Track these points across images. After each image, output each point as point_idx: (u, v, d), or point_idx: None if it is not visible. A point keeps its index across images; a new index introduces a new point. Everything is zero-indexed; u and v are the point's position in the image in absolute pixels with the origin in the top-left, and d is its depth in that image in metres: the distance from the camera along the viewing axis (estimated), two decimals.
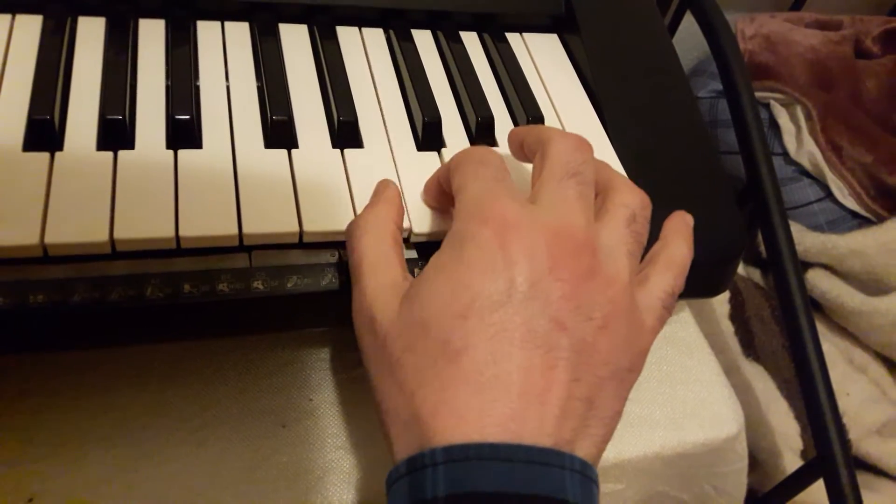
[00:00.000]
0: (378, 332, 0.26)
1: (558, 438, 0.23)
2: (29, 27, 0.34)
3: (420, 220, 0.32)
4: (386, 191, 0.31)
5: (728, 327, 0.66)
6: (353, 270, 0.29)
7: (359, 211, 0.32)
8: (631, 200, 0.28)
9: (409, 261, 0.32)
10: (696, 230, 0.32)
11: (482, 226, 0.25)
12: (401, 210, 0.31)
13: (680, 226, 0.31)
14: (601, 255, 0.26)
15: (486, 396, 0.22)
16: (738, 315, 0.67)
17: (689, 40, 0.70)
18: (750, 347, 0.66)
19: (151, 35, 0.36)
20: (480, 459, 0.21)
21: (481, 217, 0.25)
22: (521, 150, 0.32)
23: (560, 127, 0.39)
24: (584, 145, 0.29)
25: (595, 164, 0.29)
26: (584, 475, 0.22)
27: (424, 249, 0.33)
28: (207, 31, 0.37)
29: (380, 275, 0.27)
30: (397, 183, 0.33)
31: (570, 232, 0.25)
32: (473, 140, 0.37)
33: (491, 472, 0.21)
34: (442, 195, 0.32)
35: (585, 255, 0.25)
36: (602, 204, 0.29)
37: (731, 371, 0.57)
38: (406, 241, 0.33)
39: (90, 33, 0.35)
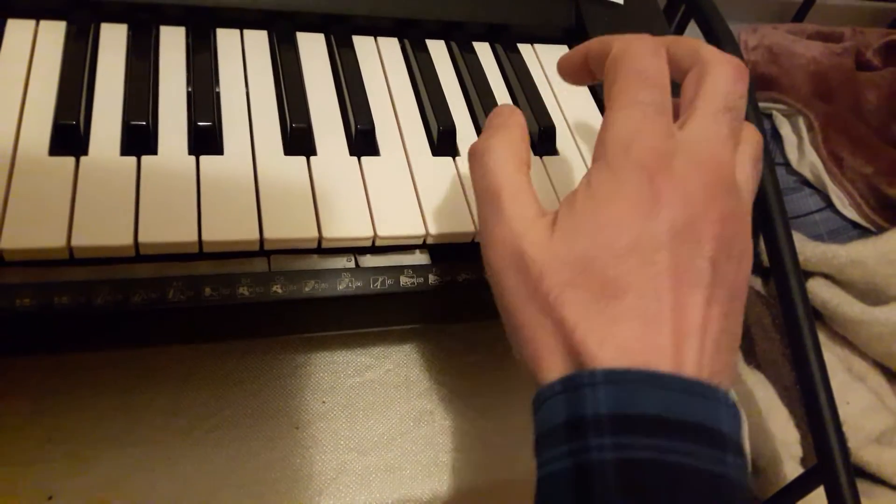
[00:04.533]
0: (531, 268, 0.25)
1: (709, 370, 0.24)
2: (53, 33, 0.35)
3: (437, 222, 0.33)
4: (514, 115, 0.29)
5: None
6: (490, 199, 0.27)
7: (376, 217, 0.32)
8: (727, 91, 0.27)
9: (422, 266, 0.33)
10: None
11: (639, 166, 0.25)
12: (528, 137, 0.30)
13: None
14: (743, 193, 0.26)
15: (650, 330, 0.23)
16: None
17: None
18: (751, 355, 0.67)
19: (172, 42, 0.36)
20: (641, 384, 0.22)
21: (637, 156, 0.25)
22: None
23: (570, 135, 0.40)
24: (745, 74, 0.28)
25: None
26: (735, 411, 0.23)
27: (437, 252, 0.34)
28: (227, 39, 0.38)
29: (523, 206, 0.26)
30: (413, 189, 0.34)
31: (722, 173, 0.25)
32: None
33: (652, 397, 0.22)
34: (583, 70, 0.31)
35: (734, 196, 0.26)
36: (696, 90, 0.27)
37: None
38: (422, 245, 0.34)
39: (113, 40, 0.35)
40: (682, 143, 0.26)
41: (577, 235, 0.25)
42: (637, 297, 0.24)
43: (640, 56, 0.27)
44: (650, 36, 0.29)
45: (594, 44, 0.31)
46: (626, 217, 0.24)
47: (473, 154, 0.29)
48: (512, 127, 0.29)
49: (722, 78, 0.27)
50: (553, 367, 0.24)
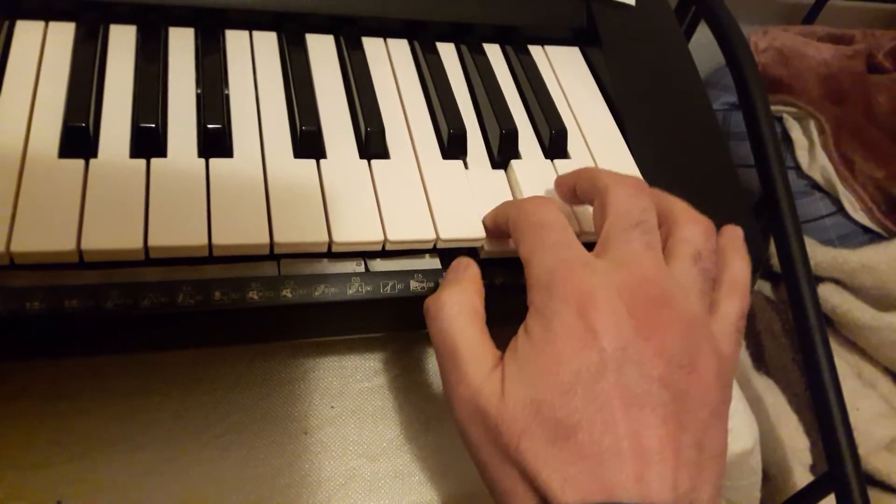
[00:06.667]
0: (489, 424, 0.26)
1: (681, 489, 0.23)
2: (62, 34, 0.35)
3: (447, 226, 0.33)
4: (468, 269, 0.31)
5: None
6: (447, 357, 0.28)
7: (386, 221, 0.32)
8: (693, 235, 0.29)
9: (432, 271, 0.33)
10: None
11: (563, 303, 0.25)
12: (482, 289, 0.30)
13: (734, 241, 0.31)
14: (677, 300, 0.26)
15: (607, 466, 0.23)
16: (749, 328, 0.68)
17: (701, 52, 0.70)
18: (760, 361, 0.66)
19: (181, 44, 0.36)
20: None
21: (560, 293, 0.26)
22: (574, 196, 0.32)
23: (581, 138, 0.40)
24: (641, 189, 0.29)
25: (654, 197, 0.30)
26: None
27: (447, 256, 0.33)
28: (236, 41, 0.38)
29: (480, 362, 0.27)
30: (423, 193, 0.34)
31: (646, 287, 0.26)
32: (497, 150, 0.37)
33: None
34: (502, 234, 0.32)
35: (664, 307, 0.26)
36: (666, 240, 0.29)
37: (741, 385, 0.57)
38: (432, 249, 0.33)
39: (122, 41, 0.35)
40: (602, 269, 0.26)
41: (522, 384, 0.25)
42: (588, 434, 0.24)
43: (534, 211, 0.29)
44: (540, 197, 0.30)
45: (498, 210, 0.32)
46: (563, 355, 0.25)
47: (427, 311, 0.29)
48: (464, 281, 0.30)
49: (620, 199, 0.28)
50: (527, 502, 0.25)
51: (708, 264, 0.28)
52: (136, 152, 0.31)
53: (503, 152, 0.37)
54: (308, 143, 0.33)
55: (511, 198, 0.35)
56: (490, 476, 0.26)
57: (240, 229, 0.30)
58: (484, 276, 0.31)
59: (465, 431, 0.27)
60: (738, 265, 0.30)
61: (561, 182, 0.33)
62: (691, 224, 0.29)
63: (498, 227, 0.32)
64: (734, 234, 0.32)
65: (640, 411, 0.24)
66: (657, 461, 0.23)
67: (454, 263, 0.32)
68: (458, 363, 0.27)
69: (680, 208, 0.30)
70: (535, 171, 0.37)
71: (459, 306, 0.28)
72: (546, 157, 0.38)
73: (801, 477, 0.57)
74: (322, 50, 0.39)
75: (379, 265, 0.33)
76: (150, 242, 0.28)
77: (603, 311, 0.25)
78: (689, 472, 0.24)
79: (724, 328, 0.28)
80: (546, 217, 0.29)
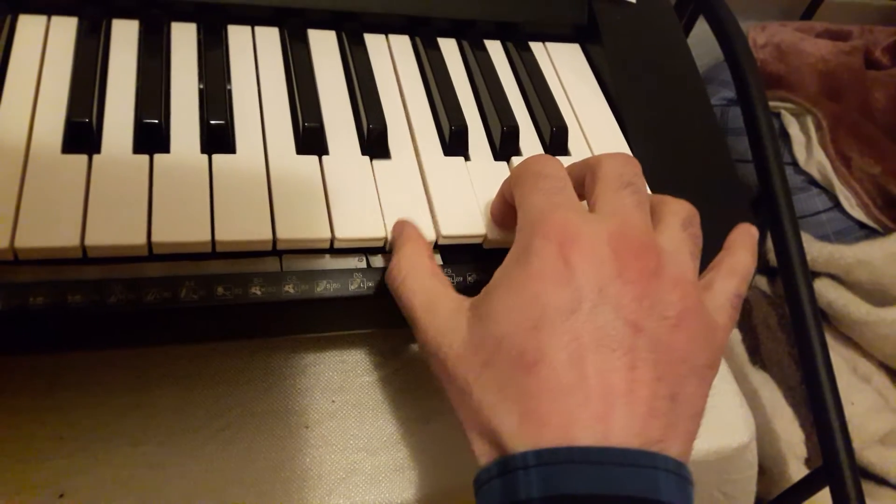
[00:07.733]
0: (448, 361, 0.26)
1: (648, 437, 0.23)
2: (64, 29, 0.34)
3: (448, 223, 0.33)
4: (405, 230, 0.31)
5: (735, 334, 0.67)
6: (409, 315, 0.29)
7: (388, 217, 0.32)
8: (680, 208, 0.29)
9: None
10: (714, 240, 0.33)
11: (545, 239, 0.25)
12: (425, 243, 0.31)
13: (744, 237, 0.32)
14: (665, 256, 0.26)
15: (568, 402, 0.23)
16: (745, 322, 0.68)
17: (699, 47, 0.71)
18: (756, 355, 0.67)
19: (184, 38, 0.36)
20: (572, 462, 0.22)
21: (543, 231, 0.26)
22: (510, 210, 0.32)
23: (582, 135, 0.40)
24: (632, 160, 0.29)
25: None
26: (679, 475, 0.23)
27: (450, 253, 0.34)
28: (238, 36, 0.38)
29: (435, 310, 0.28)
30: (424, 190, 0.34)
31: (633, 234, 0.26)
32: (498, 147, 0.37)
33: (583, 475, 0.22)
34: (508, 211, 0.31)
35: (651, 256, 0.25)
36: (653, 216, 0.29)
37: (737, 378, 0.57)
38: (434, 245, 0.33)
39: (124, 36, 0.35)
40: (591, 218, 0.26)
41: (491, 316, 0.25)
42: (550, 369, 0.23)
43: (534, 162, 0.30)
44: (544, 157, 0.31)
45: (503, 185, 0.32)
46: (536, 290, 0.24)
47: (388, 283, 0.31)
48: (406, 244, 0.31)
49: (611, 164, 0.29)
50: (485, 447, 0.25)
51: (696, 231, 0.29)
52: (139, 148, 0.31)
53: (504, 149, 0.37)
54: (310, 139, 0.34)
55: None
56: (457, 411, 0.26)
57: (242, 225, 0.30)
58: (461, 272, 0.33)
59: (438, 380, 0.27)
60: (742, 255, 0.30)
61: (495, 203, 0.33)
62: (676, 201, 0.30)
63: (504, 200, 0.32)
64: (746, 231, 0.32)
65: (611, 353, 0.23)
66: (623, 403, 0.23)
67: (393, 228, 0.32)
68: (417, 318, 0.28)
69: (665, 196, 0.30)
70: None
71: (407, 267, 0.30)
72: (547, 154, 0.38)
73: (796, 470, 0.58)
74: (324, 46, 0.39)
75: (380, 261, 0.33)
76: (154, 238, 0.28)
77: (585, 251, 0.25)
78: (660, 422, 0.23)
79: (718, 301, 0.28)
80: (545, 168, 0.29)
